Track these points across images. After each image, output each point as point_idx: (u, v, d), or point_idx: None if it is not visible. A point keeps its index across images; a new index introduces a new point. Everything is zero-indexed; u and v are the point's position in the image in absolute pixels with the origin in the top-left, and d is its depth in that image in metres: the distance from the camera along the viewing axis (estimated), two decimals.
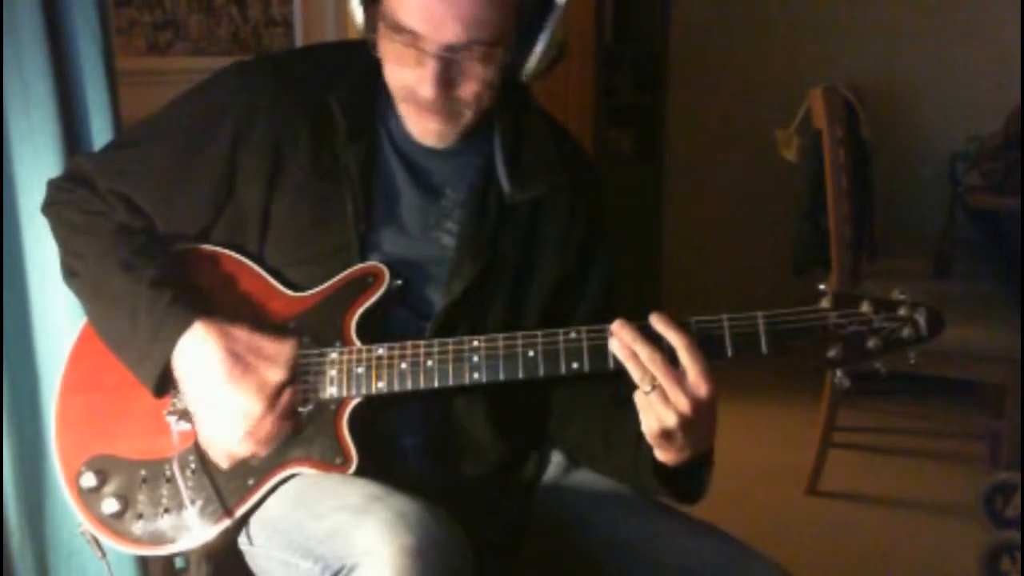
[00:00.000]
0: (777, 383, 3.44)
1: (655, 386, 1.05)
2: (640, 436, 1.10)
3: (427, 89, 1.14)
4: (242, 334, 1.17)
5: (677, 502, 1.18)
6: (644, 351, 1.06)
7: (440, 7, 1.09)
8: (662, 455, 1.11)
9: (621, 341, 1.08)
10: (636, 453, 1.15)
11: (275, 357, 1.16)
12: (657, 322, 1.08)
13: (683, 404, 1.05)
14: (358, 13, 1.19)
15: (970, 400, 3.28)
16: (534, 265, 1.28)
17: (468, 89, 1.16)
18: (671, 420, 1.05)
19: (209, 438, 1.18)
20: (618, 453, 1.21)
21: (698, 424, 1.06)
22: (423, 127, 1.20)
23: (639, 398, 1.07)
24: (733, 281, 4.02)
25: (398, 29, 1.12)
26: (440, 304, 1.23)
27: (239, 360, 1.15)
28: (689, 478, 1.15)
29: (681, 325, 1.07)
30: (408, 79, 1.16)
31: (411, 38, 1.12)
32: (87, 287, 1.23)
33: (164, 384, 1.19)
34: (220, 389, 1.14)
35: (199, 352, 1.15)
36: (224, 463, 1.18)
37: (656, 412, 1.06)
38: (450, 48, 1.12)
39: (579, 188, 1.30)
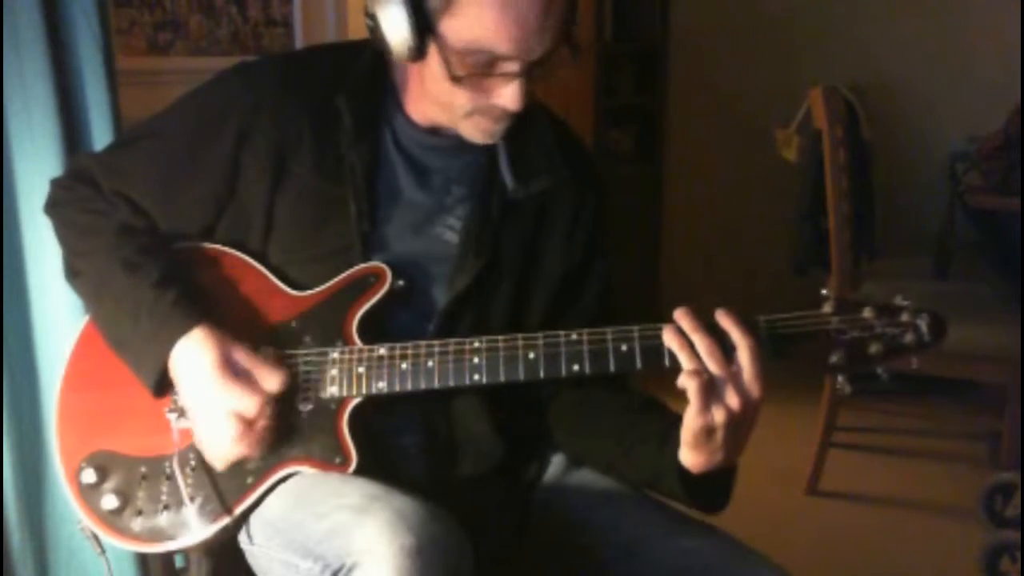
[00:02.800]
0: (777, 383, 3.42)
1: (706, 378, 1.03)
2: (663, 439, 1.10)
3: (516, 104, 1.13)
4: (240, 348, 1.16)
5: (698, 510, 1.17)
6: (704, 342, 1.04)
7: (533, 24, 1.07)
8: (694, 457, 1.08)
9: (675, 330, 1.05)
10: (659, 456, 1.13)
11: (268, 374, 1.16)
12: (723, 318, 1.05)
13: (735, 402, 1.03)
14: (408, 42, 1.11)
15: (970, 400, 3.28)
16: (538, 262, 1.28)
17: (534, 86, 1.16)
18: (720, 416, 1.03)
19: (203, 440, 1.18)
20: (637, 457, 1.19)
21: (741, 426, 1.05)
22: (489, 131, 1.19)
23: (692, 389, 1.03)
24: (733, 281, 4.02)
25: (472, 53, 1.10)
26: (443, 301, 1.23)
27: (232, 366, 1.15)
28: (713, 486, 1.13)
29: (748, 324, 1.05)
30: (481, 100, 1.14)
31: (488, 60, 1.10)
32: (90, 286, 1.24)
33: (164, 383, 1.19)
34: (211, 391, 1.14)
35: (195, 355, 1.15)
36: (219, 466, 1.18)
37: (704, 407, 1.03)
38: (536, 63, 1.11)
39: (583, 185, 1.30)
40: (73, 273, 1.26)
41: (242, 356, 1.16)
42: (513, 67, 1.11)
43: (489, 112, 1.16)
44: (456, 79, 1.11)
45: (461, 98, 1.15)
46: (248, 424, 1.14)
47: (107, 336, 1.22)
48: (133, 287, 1.18)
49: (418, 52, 1.12)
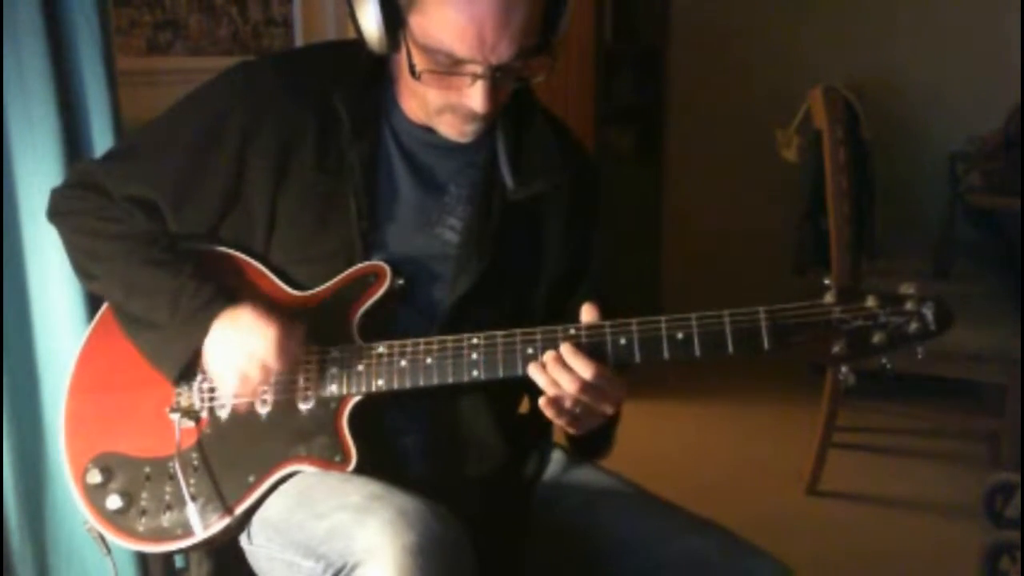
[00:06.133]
0: (777, 383, 3.44)
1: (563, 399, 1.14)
2: None
3: (481, 106, 1.14)
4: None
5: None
6: (562, 375, 1.13)
7: (490, 30, 1.08)
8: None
9: (539, 366, 1.14)
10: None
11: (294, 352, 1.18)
12: (569, 354, 1.12)
13: (580, 407, 1.15)
14: (377, 33, 1.14)
15: (970, 400, 3.28)
16: (539, 261, 1.29)
17: (509, 90, 1.18)
18: (572, 413, 1.16)
19: (217, 368, 1.18)
20: None
21: (588, 415, 1.16)
22: (461, 130, 1.20)
23: (551, 411, 1.16)
24: (733, 281, 4.02)
25: (434, 51, 1.11)
26: (446, 302, 1.23)
27: (272, 321, 1.16)
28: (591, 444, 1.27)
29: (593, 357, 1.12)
30: (451, 98, 1.15)
31: (450, 60, 1.11)
32: (116, 285, 1.23)
33: (188, 369, 1.19)
34: (243, 330, 1.15)
35: (238, 317, 1.16)
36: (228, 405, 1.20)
37: (558, 415, 1.16)
38: (501, 67, 1.12)
39: (580, 183, 1.30)
40: (88, 277, 1.27)
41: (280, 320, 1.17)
42: (476, 69, 1.11)
43: (459, 111, 1.17)
44: (416, 75, 1.13)
45: (431, 94, 1.16)
46: (258, 366, 1.15)
47: (134, 323, 1.23)
48: (168, 279, 1.20)
49: (389, 44, 1.14)
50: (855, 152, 3.02)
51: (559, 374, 1.11)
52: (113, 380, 1.26)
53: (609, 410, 1.15)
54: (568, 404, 1.13)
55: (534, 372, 1.13)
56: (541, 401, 1.14)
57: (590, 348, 1.12)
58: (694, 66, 4.13)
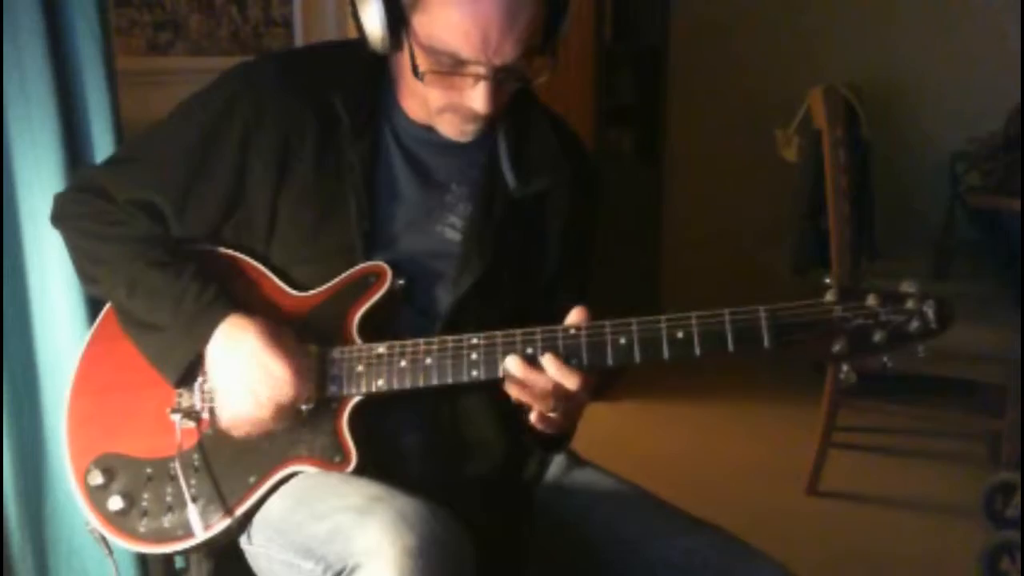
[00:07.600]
0: (777, 383, 3.44)
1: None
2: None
3: (484, 106, 1.14)
4: (290, 332, 1.18)
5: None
6: (539, 381, 1.13)
7: (495, 31, 1.09)
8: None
9: (513, 381, 1.14)
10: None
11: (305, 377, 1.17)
12: (547, 361, 1.12)
13: (561, 406, 1.15)
14: (379, 33, 1.14)
15: (970, 400, 3.28)
16: (541, 259, 1.29)
17: (511, 90, 1.18)
18: (554, 414, 1.16)
19: (229, 412, 1.18)
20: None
21: (568, 413, 1.18)
22: (461, 129, 1.20)
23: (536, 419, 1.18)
24: (733, 281, 4.02)
25: (437, 52, 1.12)
26: (448, 300, 1.24)
27: (281, 344, 1.15)
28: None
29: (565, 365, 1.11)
30: (453, 98, 1.16)
31: (453, 61, 1.12)
32: (118, 288, 1.23)
33: (189, 371, 1.19)
34: (254, 357, 1.14)
35: (242, 330, 1.16)
36: (239, 434, 1.18)
37: (541, 420, 1.18)
38: (504, 68, 1.12)
39: (580, 180, 1.31)
40: (91, 281, 1.27)
41: (291, 340, 1.17)
42: (479, 70, 1.12)
43: (461, 111, 1.17)
44: (420, 75, 1.13)
45: (432, 94, 1.16)
46: (275, 401, 1.14)
47: (137, 325, 1.22)
48: (171, 281, 1.19)
49: (391, 44, 1.14)
50: (855, 152, 3.03)
51: (534, 378, 1.12)
52: (115, 381, 1.26)
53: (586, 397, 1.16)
54: (553, 406, 1.13)
55: (512, 391, 1.14)
56: (533, 417, 1.16)
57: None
58: (694, 66, 4.13)
